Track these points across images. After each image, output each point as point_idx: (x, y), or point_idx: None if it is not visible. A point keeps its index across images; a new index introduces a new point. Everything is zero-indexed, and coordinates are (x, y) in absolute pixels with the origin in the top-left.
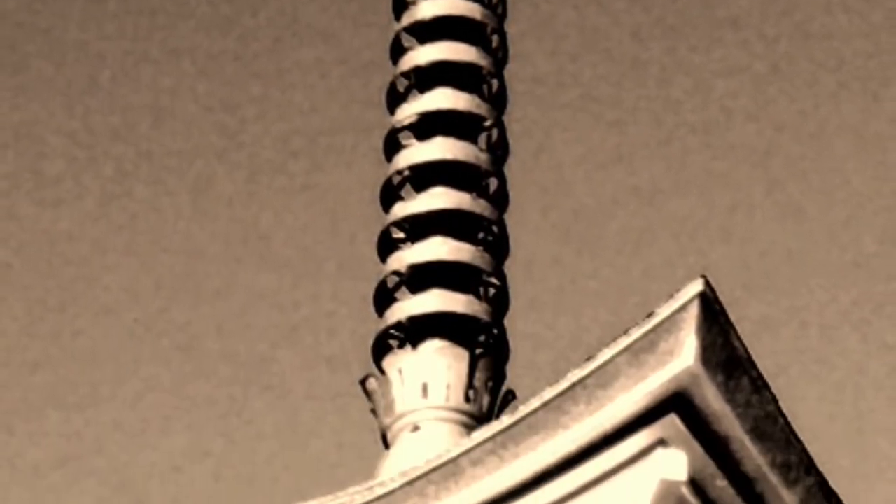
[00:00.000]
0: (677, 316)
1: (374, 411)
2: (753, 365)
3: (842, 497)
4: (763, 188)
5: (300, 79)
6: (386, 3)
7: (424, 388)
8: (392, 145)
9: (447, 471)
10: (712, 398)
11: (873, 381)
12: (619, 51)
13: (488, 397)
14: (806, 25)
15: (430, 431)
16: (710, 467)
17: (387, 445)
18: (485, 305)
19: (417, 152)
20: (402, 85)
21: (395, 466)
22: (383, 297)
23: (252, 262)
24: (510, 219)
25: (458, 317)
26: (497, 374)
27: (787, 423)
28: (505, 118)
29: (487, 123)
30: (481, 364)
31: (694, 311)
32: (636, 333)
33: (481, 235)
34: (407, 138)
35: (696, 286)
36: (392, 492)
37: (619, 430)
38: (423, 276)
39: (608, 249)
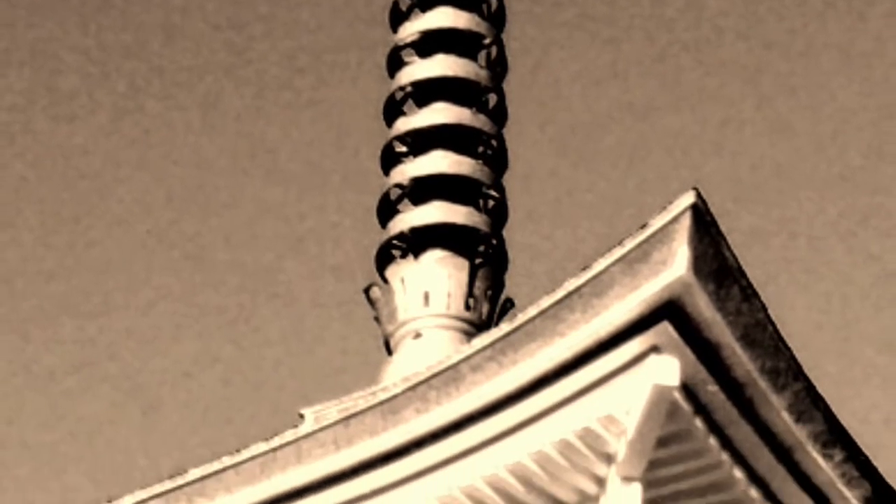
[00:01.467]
0: (670, 227)
1: (377, 319)
2: (743, 274)
3: (828, 402)
4: (753, 104)
5: None
6: None
7: (426, 297)
8: (395, 62)
9: (448, 376)
10: (704, 306)
11: (859, 290)
12: None
13: (488, 305)
14: None
15: (431, 338)
16: (702, 373)
17: (389, 352)
18: (484, 217)
19: (419, 69)
20: (404, 4)
21: (398, 372)
22: (386, 209)
23: (259, 175)
24: (508, 133)
25: (459, 228)
26: (496, 283)
27: (776, 331)
28: (504, 36)
29: (487, 41)
30: (481, 273)
31: (686, 222)
32: (630, 244)
33: (481, 149)
34: (409, 55)
35: (688, 198)
36: (394, 397)
37: (614, 337)
38: (424, 189)
39: (603, 163)
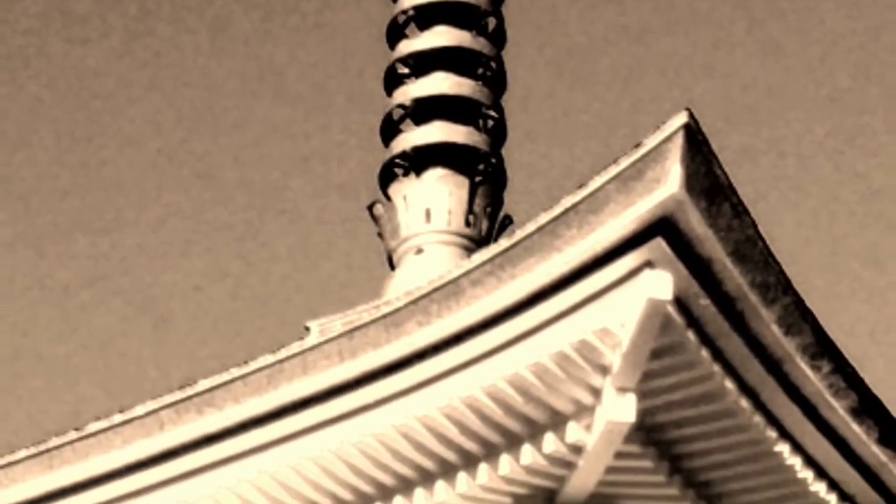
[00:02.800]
0: (663, 146)
1: (380, 235)
2: (734, 191)
3: (816, 315)
4: (744, 27)
5: None
6: None
7: (427, 214)
8: None
9: (448, 290)
10: (696, 223)
11: (846, 206)
12: None
13: (487, 222)
14: None
15: (432, 254)
16: (694, 287)
17: (392, 267)
18: (484, 136)
19: None
20: None
21: (400, 286)
22: (389, 129)
23: (266, 96)
24: (507, 56)
25: (459, 147)
26: (495, 200)
27: (766, 246)
28: None
29: None
30: (480, 191)
31: (679, 141)
32: (625, 162)
33: (480, 71)
34: None
35: (681, 118)
36: (397, 310)
37: (609, 252)
38: (426, 109)
39: (599, 84)
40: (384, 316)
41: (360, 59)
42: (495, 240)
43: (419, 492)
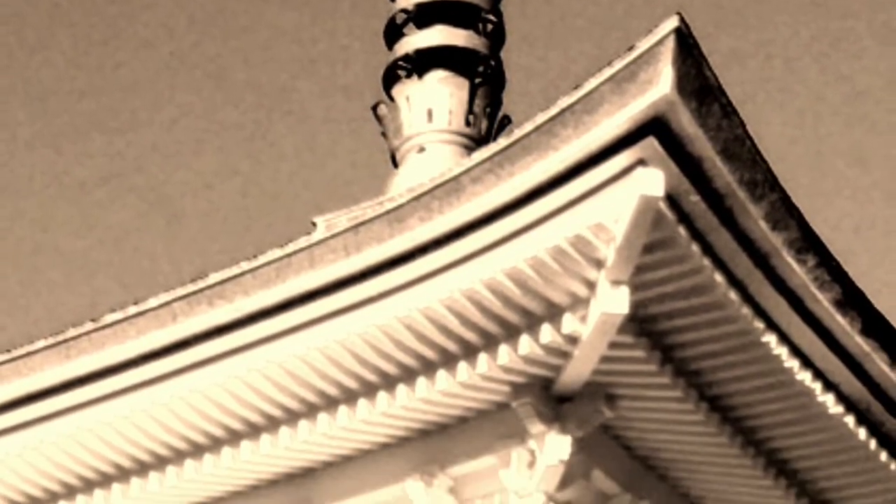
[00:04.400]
0: (655, 49)
1: (384, 134)
2: (723, 93)
3: (802, 211)
4: None
5: None
6: None
7: (429, 114)
8: None
9: (450, 187)
10: (686, 122)
11: (830, 107)
12: None
13: (486, 122)
14: None
15: (434, 152)
16: (685, 184)
17: (395, 165)
18: (483, 40)
19: None
20: None
21: (403, 183)
22: (393, 32)
23: (275, 1)
24: None
25: (460, 50)
26: (494, 101)
27: (754, 145)
28: None
29: None
30: (480, 92)
31: (670, 44)
32: (618, 65)
33: None
34: None
35: (672, 22)
36: (400, 206)
37: (603, 151)
38: (428, 13)
39: None
40: (388, 212)
41: None
42: (494, 139)
43: (421, 381)
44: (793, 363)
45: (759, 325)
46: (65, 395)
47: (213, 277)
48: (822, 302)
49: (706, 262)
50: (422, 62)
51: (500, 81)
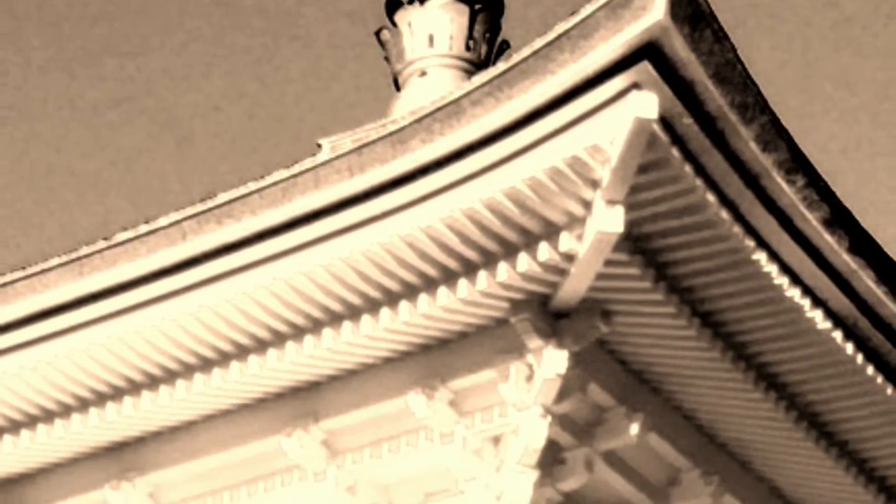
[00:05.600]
0: None
1: (387, 59)
2: (715, 18)
3: (792, 133)
4: None
5: None
6: None
7: (430, 39)
8: None
9: (450, 110)
10: (679, 47)
11: (819, 32)
12: None
13: (486, 47)
14: None
15: (435, 76)
16: (678, 107)
17: (398, 88)
18: None
19: None
20: None
21: (405, 106)
22: None
23: None
24: None
25: None
26: (493, 26)
27: (745, 69)
28: None
29: None
30: (480, 17)
31: None
32: None
33: None
34: None
35: None
36: (402, 128)
37: (599, 74)
38: None
39: None
40: (390, 134)
41: None
42: (493, 63)
43: (423, 297)
44: (782, 280)
45: (750, 243)
46: (78, 311)
47: (222, 197)
48: (811, 221)
49: (698, 182)
50: None
51: (499, 7)
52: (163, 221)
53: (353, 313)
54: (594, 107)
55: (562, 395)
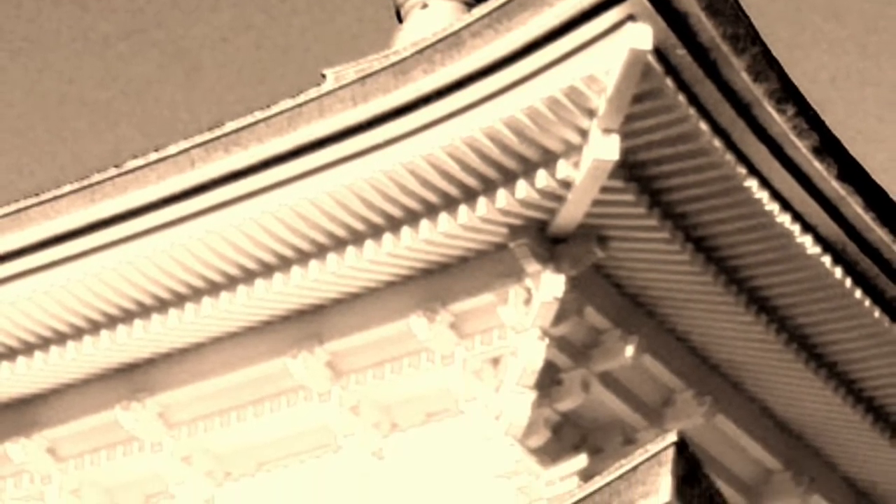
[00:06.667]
0: None
1: None
2: None
3: (782, 63)
4: None
5: None
6: None
7: None
8: None
9: (451, 41)
10: None
11: None
12: None
13: None
14: None
15: (436, 8)
16: (672, 38)
17: (400, 20)
18: None
19: None
20: None
21: (407, 38)
22: None
23: None
24: None
25: None
26: None
27: (736, 1)
28: None
29: None
30: None
31: None
32: None
33: None
34: None
35: None
36: (404, 59)
37: (595, 6)
38: None
39: None
40: (393, 64)
41: None
42: None
43: (424, 223)
44: (773, 206)
45: (742, 170)
46: (89, 237)
47: (229, 126)
48: (801, 149)
49: (692, 111)
50: None
51: None
52: (172, 149)
53: (357, 239)
54: (590, 38)
55: (559, 318)
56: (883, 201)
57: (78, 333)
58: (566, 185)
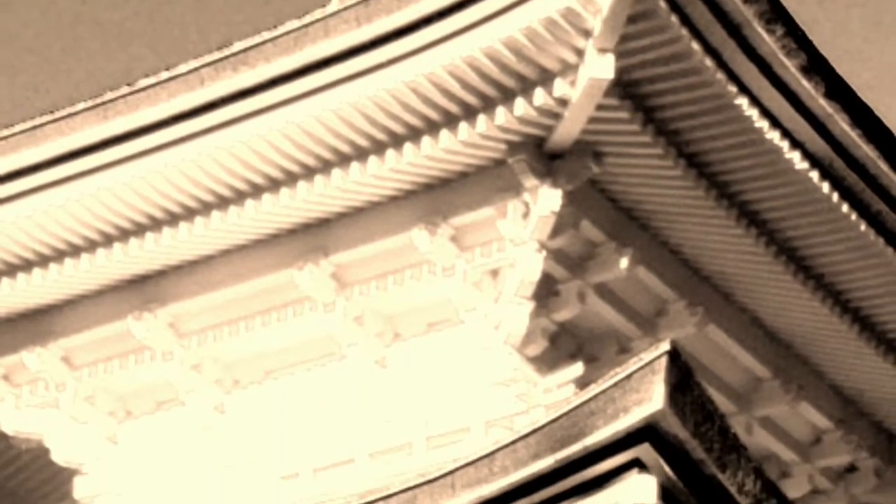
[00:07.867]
0: None
1: None
2: None
3: None
4: None
5: None
6: None
7: None
8: None
9: None
10: None
11: None
12: None
13: None
14: None
15: None
16: None
17: None
18: None
19: None
20: None
21: None
22: None
23: None
24: None
25: None
26: None
27: None
28: None
29: None
30: None
31: None
32: None
33: None
34: None
35: None
36: None
37: None
38: None
39: None
40: None
41: None
42: None
43: (426, 140)
44: (762, 123)
45: (732, 89)
46: (102, 153)
47: (238, 45)
48: (789, 68)
49: (684, 31)
50: None
51: None
52: (182, 68)
53: (361, 154)
54: None
55: (556, 231)
56: (868, 119)
57: (91, 246)
58: (563, 102)
